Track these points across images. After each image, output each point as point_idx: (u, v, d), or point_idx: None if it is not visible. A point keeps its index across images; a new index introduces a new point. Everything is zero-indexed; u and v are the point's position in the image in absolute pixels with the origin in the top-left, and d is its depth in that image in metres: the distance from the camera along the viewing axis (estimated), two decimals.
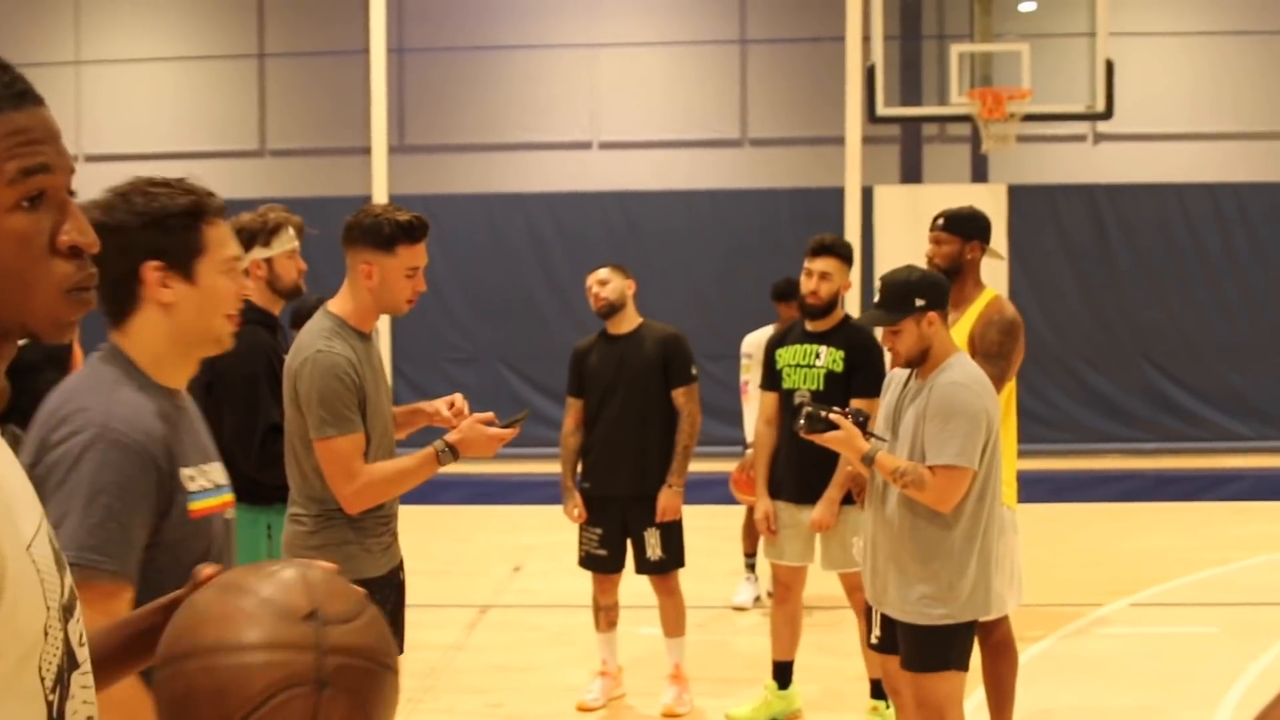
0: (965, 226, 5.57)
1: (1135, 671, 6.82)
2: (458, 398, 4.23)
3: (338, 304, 4.06)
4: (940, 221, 5.60)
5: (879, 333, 6.08)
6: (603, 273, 6.38)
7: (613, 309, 6.35)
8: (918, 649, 4.34)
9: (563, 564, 9.32)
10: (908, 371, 4.48)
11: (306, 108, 15.60)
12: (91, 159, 15.68)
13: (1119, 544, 10.07)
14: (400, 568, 4.25)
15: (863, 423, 4.39)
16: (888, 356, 4.65)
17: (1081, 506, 11.14)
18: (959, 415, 4.23)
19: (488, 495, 12.63)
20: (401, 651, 3.92)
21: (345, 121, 15.48)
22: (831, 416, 4.35)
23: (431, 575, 9.25)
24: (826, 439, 4.41)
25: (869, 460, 4.35)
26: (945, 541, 4.28)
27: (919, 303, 4.30)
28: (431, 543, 10.41)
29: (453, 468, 4.04)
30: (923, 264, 5.12)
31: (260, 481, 4.71)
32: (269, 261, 4.89)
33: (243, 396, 4.66)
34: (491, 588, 8.85)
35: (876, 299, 4.43)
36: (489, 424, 3.98)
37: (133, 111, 15.65)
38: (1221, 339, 14.43)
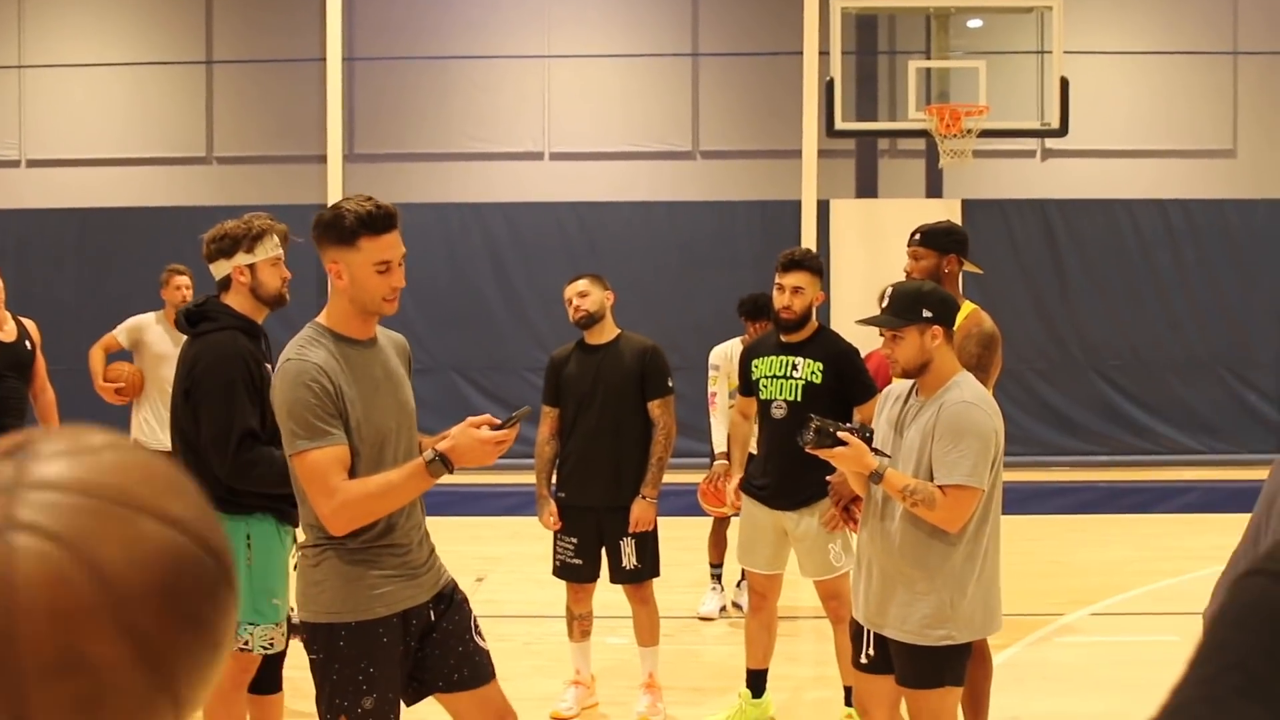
0: (942, 241, 5.64)
1: (1100, 679, 6.91)
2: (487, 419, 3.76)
3: (324, 312, 3.79)
4: (917, 236, 5.66)
5: (855, 342, 6.19)
6: (582, 284, 6.39)
7: (592, 320, 6.36)
8: (915, 668, 4.35)
9: (527, 574, 9.34)
10: (906, 388, 4.49)
11: (255, 115, 15.47)
12: (34, 164, 15.52)
13: (1077, 555, 10.19)
14: (439, 600, 3.91)
15: (868, 438, 4.36)
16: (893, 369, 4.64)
17: (1037, 518, 11.26)
18: (971, 435, 4.21)
19: (447, 506, 12.53)
20: (491, 678, 3.87)
21: (295, 130, 15.38)
22: (840, 433, 4.31)
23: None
24: (834, 455, 4.35)
25: (877, 478, 4.29)
26: (948, 561, 4.26)
27: (926, 314, 4.31)
28: None
29: None
30: (884, 276, 5.20)
31: (236, 489, 4.69)
32: (252, 268, 4.87)
33: (219, 403, 4.62)
34: None
35: (885, 305, 4.44)
36: (485, 427, 3.64)
37: (77, 117, 15.46)
38: (1171, 353, 14.63)
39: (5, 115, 15.57)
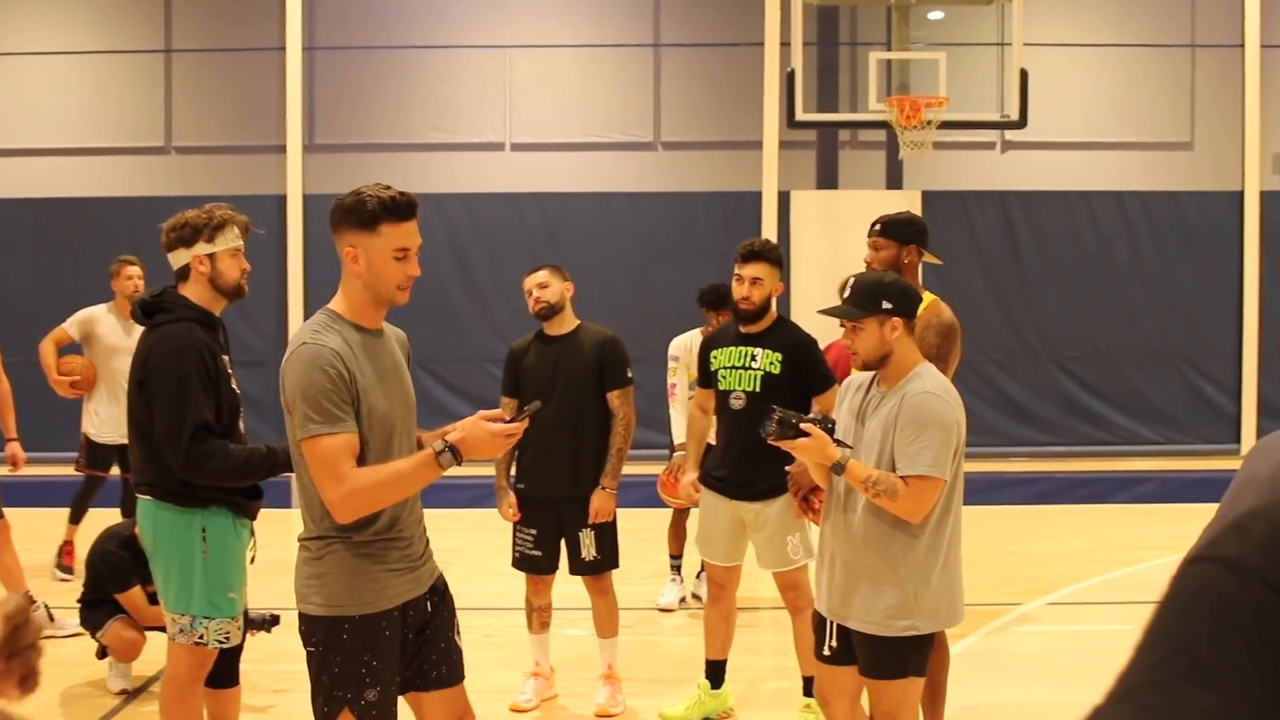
0: (901, 231, 5.65)
1: (1057, 668, 6.95)
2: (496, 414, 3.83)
3: (335, 299, 3.77)
4: (877, 227, 5.67)
5: (815, 333, 6.20)
6: (541, 275, 6.38)
7: (552, 311, 6.35)
8: (877, 658, 4.36)
9: (486, 567, 9.31)
10: (868, 378, 4.49)
11: (214, 105, 15.36)
12: None
13: (1034, 545, 10.25)
14: (432, 593, 3.93)
15: (830, 429, 4.35)
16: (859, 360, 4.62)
17: (996, 509, 11.32)
18: (933, 425, 4.21)
19: None
20: (461, 679, 3.88)
21: (254, 120, 15.27)
22: (802, 425, 4.30)
23: None
24: (796, 446, 4.34)
25: (840, 469, 4.29)
26: (911, 552, 4.27)
27: (886, 305, 4.31)
28: None
29: None
30: (845, 267, 5.20)
31: (191, 483, 4.66)
32: (212, 258, 4.83)
33: (174, 394, 4.58)
34: None
35: (845, 296, 4.43)
36: (494, 420, 3.68)
37: (34, 106, 15.32)
38: (1128, 344, 14.75)
39: None
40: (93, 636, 6.69)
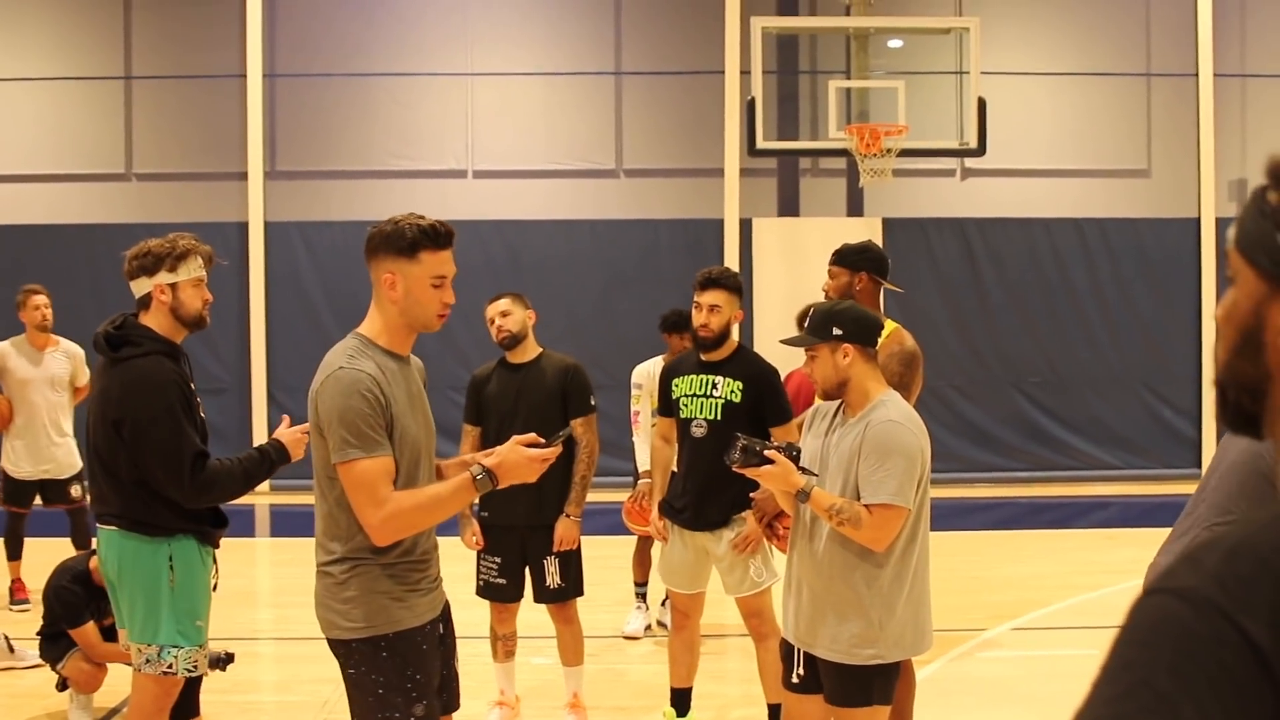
0: (852, 259, 5.70)
1: (1021, 693, 6.98)
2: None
3: (366, 325, 3.82)
4: (833, 256, 5.71)
5: (777, 362, 6.22)
6: (504, 303, 6.37)
7: (515, 340, 6.35)
8: (842, 687, 4.36)
9: (452, 596, 9.26)
10: (833, 406, 4.50)
11: (174, 132, 15.30)
12: None
13: (997, 570, 10.30)
14: (446, 614, 4.01)
15: (795, 457, 4.35)
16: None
17: (957, 535, 11.35)
18: (896, 454, 4.21)
19: None
20: (457, 707, 3.86)
21: (215, 147, 15.22)
22: (767, 452, 4.30)
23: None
24: (761, 474, 4.33)
25: (804, 496, 4.28)
26: (876, 581, 4.26)
27: (836, 332, 4.32)
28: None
29: None
30: (806, 295, 5.23)
31: (158, 512, 4.63)
32: (174, 287, 4.81)
33: (165, 430, 4.56)
34: None
35: (805, 324, 4.46)
36: (531, 445, 3.75)
37: None
38: (1088, 370, 14.86)
39: None
40: (53, 669, 6.62)
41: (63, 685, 6.60)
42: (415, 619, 3.75)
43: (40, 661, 7.17)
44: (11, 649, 7.56)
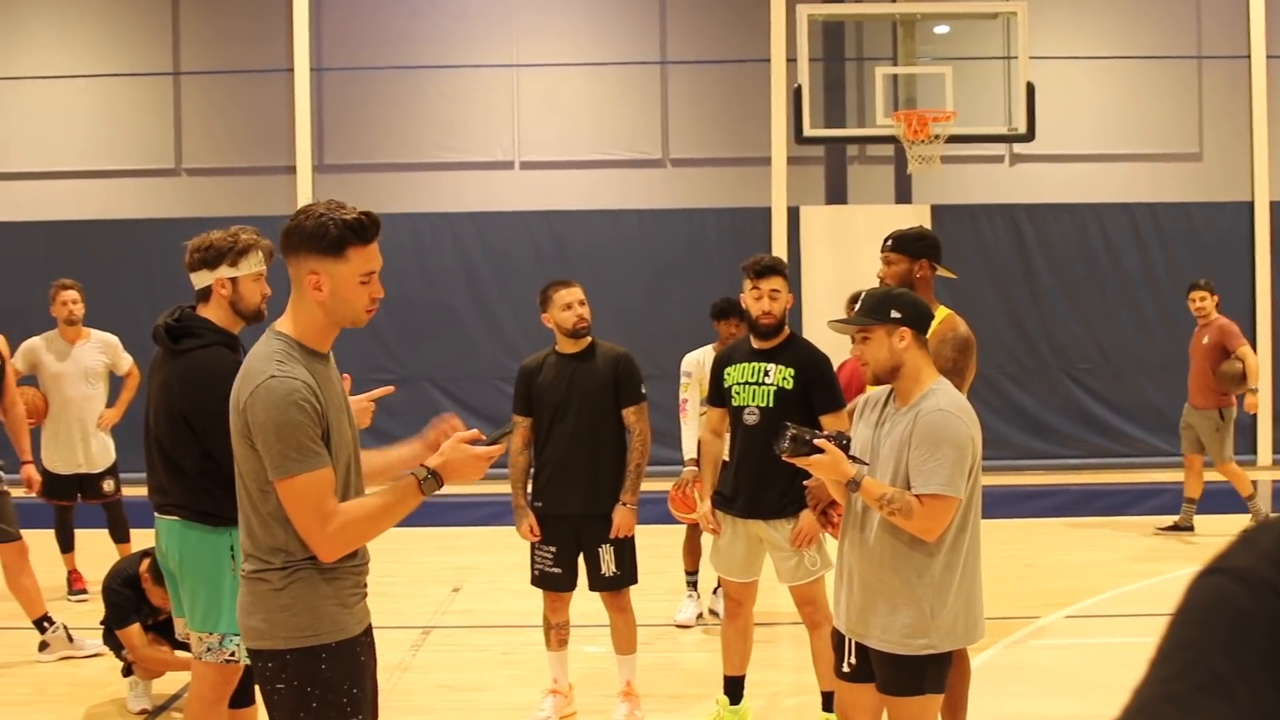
0: (912, 246, 5.66)
1: (1077, 681, 6.93)
2: (452, 417, 3.81)
3: (285, 322, 3.53)
4: (889, 242, 5.68)
5: (828, 351, 6.20)
6: (579, 291, 6.38)
7: (589, 329, 6.36)
8: (895, 676, 4.34)
9: (502, 584, 9.32)
10: (884, 393, 4.48)
11: (223, 127, 15.42)
12: (2, 177, 15.42)
13: (1051, 558, 10.24)
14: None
15: (845, 446, 4.32)
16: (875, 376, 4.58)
17: (1010, 522, 11.30)
18: (947, 444, 4.17)
19: (421, 516, 12.49)
20: (371, 708, 3.55)
21: (263, 141, 15.33)
22: (817, 441, 4.27)
23: (369, 598, 9.17)
24: (810, 463, 4.30)
25: (854, 486, 4.25)
26: (927, 571, 4.24)
27: (894, 314, 4.29)
28: None
29: None
30: (854, 282, 5.20)
31: (220, 502, 4.66)
32: (234, 281, 4.85)
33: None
34: (432, 609, 8.78)
35: (856, 308, 4.43)
36: (473, 443, 3.52)
37: (45, 129, 15.39)
38: (1140, 355, 14.73)
39: None
40: (117, 655, 6.70)
41: (127, 671, 6.68)
42: (356, 625, 3.51)
43: (100, 650, 7.27)
44: (71, 639, 7.65)
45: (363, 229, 3.43)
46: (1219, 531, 10.82)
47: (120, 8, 15.43)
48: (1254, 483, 10.98)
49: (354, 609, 3.50)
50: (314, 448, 3.33)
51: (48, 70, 15.36)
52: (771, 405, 5.88)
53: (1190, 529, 10.85)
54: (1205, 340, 10.97)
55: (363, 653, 3.55)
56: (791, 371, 5.92)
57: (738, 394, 6.02)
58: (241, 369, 3.49)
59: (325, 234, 3.40)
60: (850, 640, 4.46)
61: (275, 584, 3.41)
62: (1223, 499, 11.04)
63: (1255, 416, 14.27)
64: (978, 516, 4.36)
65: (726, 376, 6.11)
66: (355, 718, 3.48)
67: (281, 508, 3.36)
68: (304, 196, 14.98)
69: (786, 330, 6.10)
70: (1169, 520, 11.04)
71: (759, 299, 5.98)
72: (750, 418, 5.95)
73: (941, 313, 5.44)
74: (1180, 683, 1.01)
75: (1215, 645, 1.01)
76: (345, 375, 4.00)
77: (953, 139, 13.21)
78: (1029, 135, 13.50)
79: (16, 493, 7.71)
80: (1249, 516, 10.82)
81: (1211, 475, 10.95)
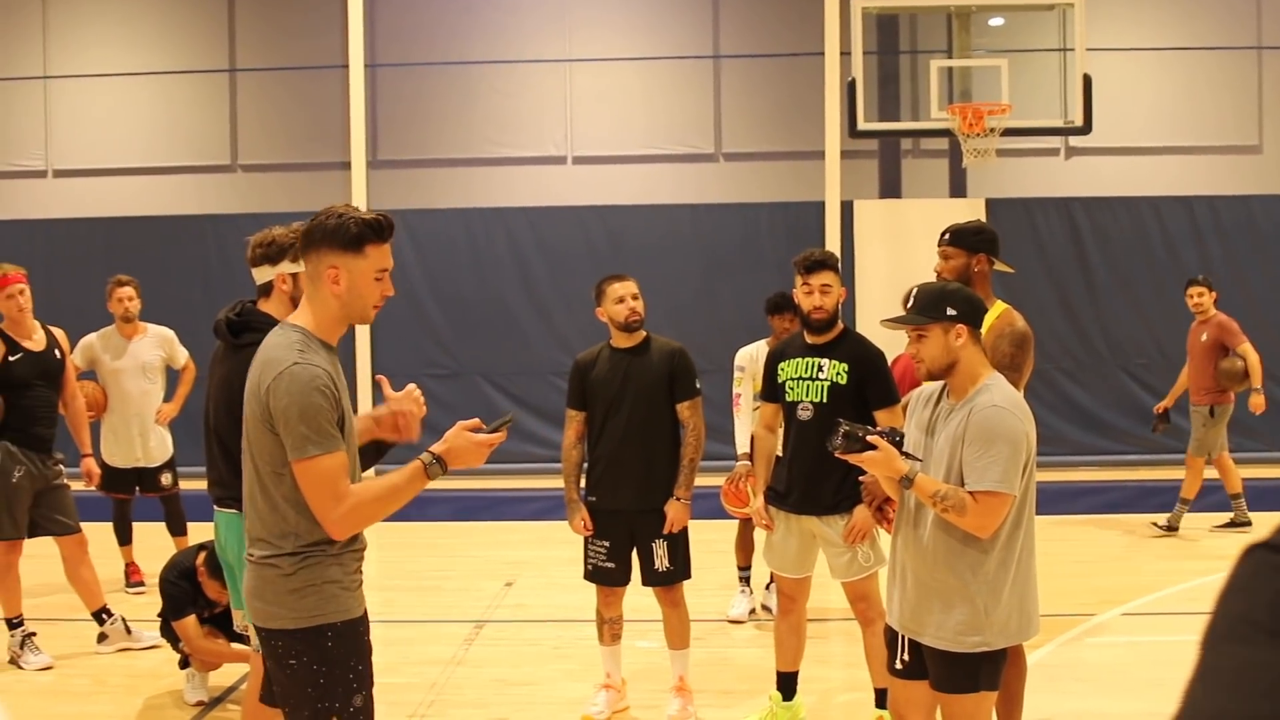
0: (970, 240, 5.62)
1: (1134, 679, 6.87)
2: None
3: (299, 316, 3.76)
4: (946, 236, 5.63)
5: (882, 345, 6.16)
6: (633, 284, 6.40)
7: (642, 323, 6.37)
8: (949, 673, 4.31)
9: (554, 578, 9.34)
10: (937, 389, 4.46)
11: (279, 123, 15.54)
12: (60, 174, 15.62)
13: (1105, 554, 10.15)
14: None
15: (898, 442, 4.31)
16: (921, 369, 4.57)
17: (1065, 518, 11.20)
18: (1001, 440, 4.14)
19: (473, 511, 12.58)
20: (372, 684, 3.76)
21: (318, 136, 15.44)
22: (869, 438, 4.27)
23: (422, 591, 9.24)
24: (863, 459, 4.30)
25: (908, 483, 4.25)
26: (981, 568, 4.22)
27: (950, 312, 4.27)
28: (419, 559, 10.39)
29: (438, 483, 3.80)
30: (909, 277, 5.16)
31: None
32: (295, 277, 4.88)
33: None
34: (485, 603, 8.82)
35: (910, 304, 4.41)
36: (475, 431, 3.74)
37: (102, 126, 15.56)
38: None
39: (31, 126, 15.67)
40: (174, 648, 6.77)
41: (184, 663, 6.75)
42: (358, 608, 3.73)
43: (157, 642, 7.35)
44: (129, 630, 7.74)
45: (380, 228, 3.69)
46: (1123, 530, 10.75)
47: (177, 6, 15.57)
48: (1204, 488, 10.86)
49: (355, 592, 3.73)
50: (332, 432, 3.55)
51: (106, 68, 15.54)
52: (825, 401, 5.86)
53: (1248, 524, 10.74)
54: (1204, 337, 10.89)
55: (364, 631, 3.77)
56: (845, 367, 5.90)
57: (791, 389, 6.01)
58: (259, 358, 3.68)
59: (346, 231, 3.64)
60: (904, 637, 4.44)
61: (285, 569, 3.62)
62: (1267, 495, 10.94)
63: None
64: (1032, 513, 4.32)
65: (780, 372, 6.09)
66: (361, 692, 3.70)
67: (295, 491, 3.58)
68: (359, 192, 15.07)
69: (840, 325, 6.07)
70: (1225, 518, 10.93)
71: (810, 294, 5.96)
72: (804, 413, 5.93)
73: (998, 307, 5.41)
74: (1229, 642, 1.05)
75: (1261, 604, 1.04)
76: (380, 376, 4.31)
77: (1008, 132, 13.11)
78: (1086, 128, 13.38)
79: (75, 486, 7.80)
80: (1167, 516, 10.73)
81: (1211, 473, 10.87)
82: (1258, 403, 10.68)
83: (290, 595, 3.62)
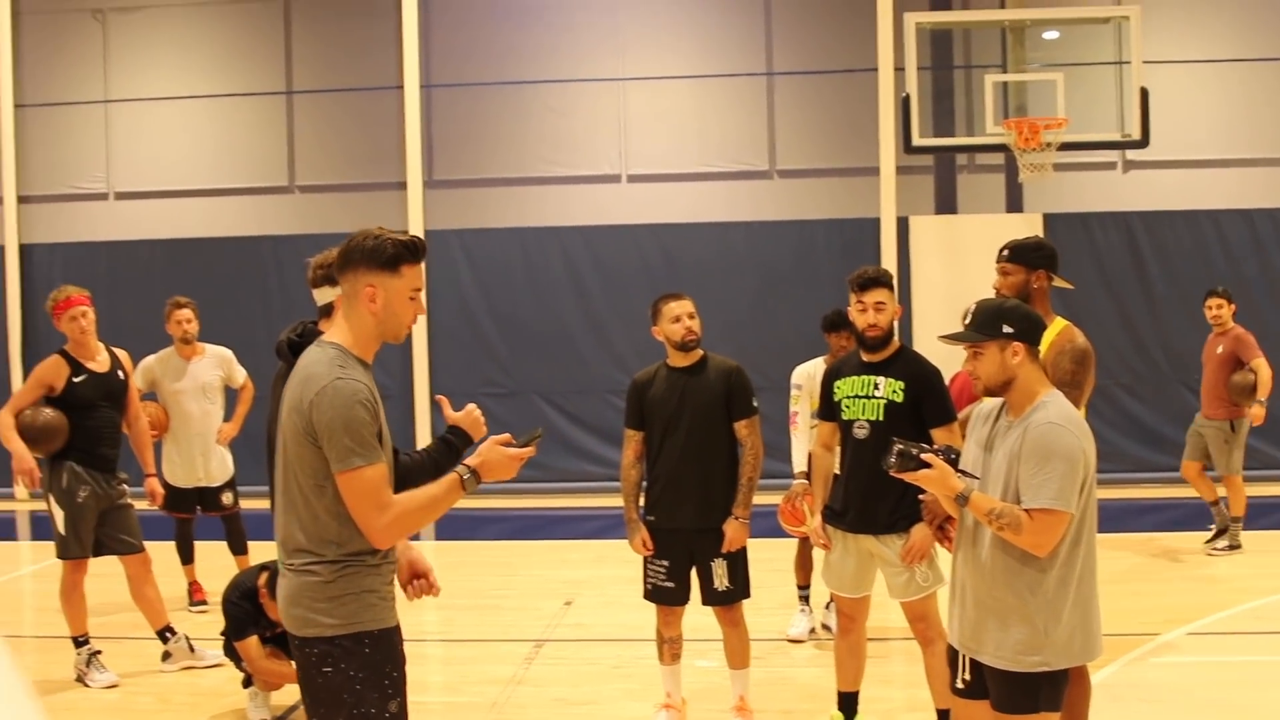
0: (1030, 256, 5.59)
1: (1200, 700, 6.78)
2: (472, 407, 4.31)
3: (335, 334, 3.84)
4: (1006, 252, 5.60)
5: (939, 362, 6.13)
6: (690, 304, 6.39)
7: (699, 342, 6.36)
8: (1009, 693, 4.27)
9: (613, 598, 9.34)
10: (996, 407, 4.43)
11: (335, 144, 15.67)
12: (121, 196, 15.81)
13: (1170, 573, 10.03)
14: None
15: (954, 460, 4.30)
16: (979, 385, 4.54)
17: (1128, 536, 11.08)
18: (1057, 457, 4.11)
19: (532, 530, 12.62)
20: (405, 692, 3.82)
21: (374, 157, 15.55)
22: (924, 456, 4.25)
23: (482, 610, 9.25)
24: (918, 477, 4.28)
25: (963, 500, 4.23)
26: (1040, 587, 4.18)
27: (1006, 329, 4.25)
28: (478, 578, 10.41)
29: (496, 501, 3.87)
30: (966, 293, 5.13)
31: None
32: None
33: None
34: (544, 622, 8.82)
35: (968, 321, 4.39)
36: (506, 445, 3.86)
37: (161, 149, 15.75)
38: None
39: (92, 150, 15.88)
40: (237, 666, 6.82)
41: (248, 682, 6.80)
42: (393, 618, 3.81)
43: (220, 661, 7.41)
44: (192, 649, 7.80)
45: (415, 249, 3.82)
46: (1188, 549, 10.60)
47: (235, 30, 15.74)
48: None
49: (390, 603, 3.82)
50: (374, 444, 3.66)
51: (166, 92, 15.73)
52: (881, 419, 5.84)
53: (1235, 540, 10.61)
54: (1220, 350, 10.77)
55: (399, 641, 3.84)
56: (901, 384, 5.87)
57: (848, 408, 5.99)
58: (298, 374, 3.77)
59: (383, 251, 3.77)
60: (964, 656, 4.41)
61: (325, 576, 3.70)
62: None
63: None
64: (1093, 531, 4.28)
65: (836, 390, 6.07)
66: (395, 699, 3.77)
67: (337, 503, 3.66)
68: (415, 212, 15.16)
69: (896, 342, 6.05)
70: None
71: (864, 311, 5.95)
72: (860, 431, 5.91)
73: (1058, 324, 5.37)
74: None
75: None
76: (441, 397, 4.50)
77: (1065, 146, 13.03)
78: (1143, 141, 13.27)
79: (137, 505, 7.88)
80: (1226, 539, 10.56)
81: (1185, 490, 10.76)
82: (1257, 414, 10.55)
83: (329, 603, 3.69)
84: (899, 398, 5.86)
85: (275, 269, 15.16)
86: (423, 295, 3.90)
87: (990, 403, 4.49)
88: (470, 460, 3.85)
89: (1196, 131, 14.70)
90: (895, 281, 6.14)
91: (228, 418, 9.52)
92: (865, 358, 6.02)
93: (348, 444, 3.60)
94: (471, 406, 4.36)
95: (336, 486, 3.64)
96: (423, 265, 3.88)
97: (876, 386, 5.91)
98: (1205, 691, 6.94)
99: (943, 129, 14.44)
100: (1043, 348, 5.16)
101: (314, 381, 3.68)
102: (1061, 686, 4.32)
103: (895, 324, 6.08)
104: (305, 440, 3.67)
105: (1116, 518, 11.00)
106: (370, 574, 3.73)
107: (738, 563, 6.30)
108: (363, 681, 3.70)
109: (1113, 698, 6.74)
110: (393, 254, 3.76)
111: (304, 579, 3.72)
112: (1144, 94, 13.11)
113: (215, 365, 9.45)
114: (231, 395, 9.65)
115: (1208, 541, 10.67)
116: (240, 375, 9.59)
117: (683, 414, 6.26)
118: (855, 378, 6.00)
